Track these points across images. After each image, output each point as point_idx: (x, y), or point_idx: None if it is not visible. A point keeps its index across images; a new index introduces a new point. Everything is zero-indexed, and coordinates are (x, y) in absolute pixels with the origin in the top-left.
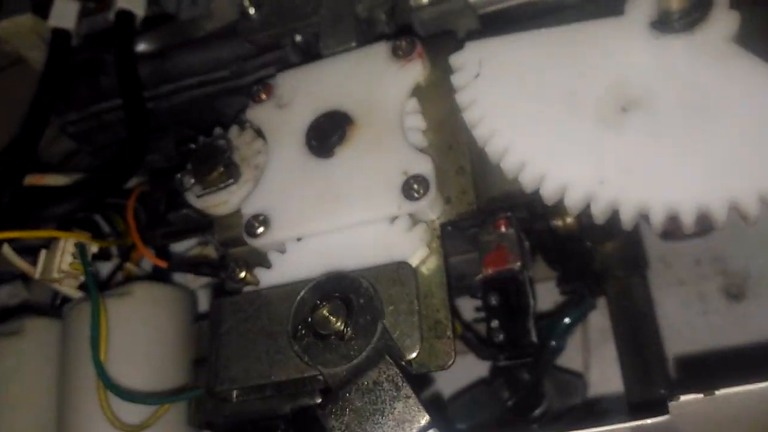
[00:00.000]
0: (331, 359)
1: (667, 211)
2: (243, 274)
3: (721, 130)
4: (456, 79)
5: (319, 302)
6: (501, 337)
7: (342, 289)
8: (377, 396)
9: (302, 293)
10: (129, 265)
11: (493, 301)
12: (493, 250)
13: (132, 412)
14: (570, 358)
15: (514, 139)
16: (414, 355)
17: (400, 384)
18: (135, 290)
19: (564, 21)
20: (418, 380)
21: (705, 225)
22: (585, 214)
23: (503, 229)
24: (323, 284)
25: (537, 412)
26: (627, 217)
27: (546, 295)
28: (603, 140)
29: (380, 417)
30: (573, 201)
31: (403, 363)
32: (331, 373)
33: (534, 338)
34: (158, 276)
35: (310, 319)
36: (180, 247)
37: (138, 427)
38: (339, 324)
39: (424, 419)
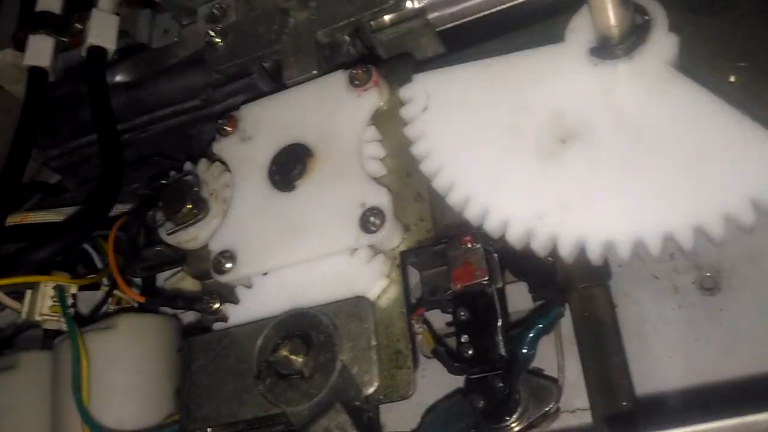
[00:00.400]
0: (293, 398)
1: (604, 244)
2: (217, 306)
3: (658, 160)
4: (405, 112)
5: (280, 342)
6: (470, 351)
7: (303, 327)
8: None
9: (265, 332)
10: (119, 293)
11: (462, 315)
12: (460, 266)
13: None
14: (544, 358)
15: (459, 174)
16: (372, 390)
17: (348, 430)
18: (119, 323)
19: (514, 43)
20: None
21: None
22: None
23: (469, 244)
24: (285, 322)
25: (512, 418)
26: (565, 252)
27: (522, 295)
28: (543, 174)
29: None
30: (514, 236)
31: (358, 403)
32: (294, 411)
33: (502, 351)
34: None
35: (272, 359)
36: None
37: None
38: (299, 363)
39: None
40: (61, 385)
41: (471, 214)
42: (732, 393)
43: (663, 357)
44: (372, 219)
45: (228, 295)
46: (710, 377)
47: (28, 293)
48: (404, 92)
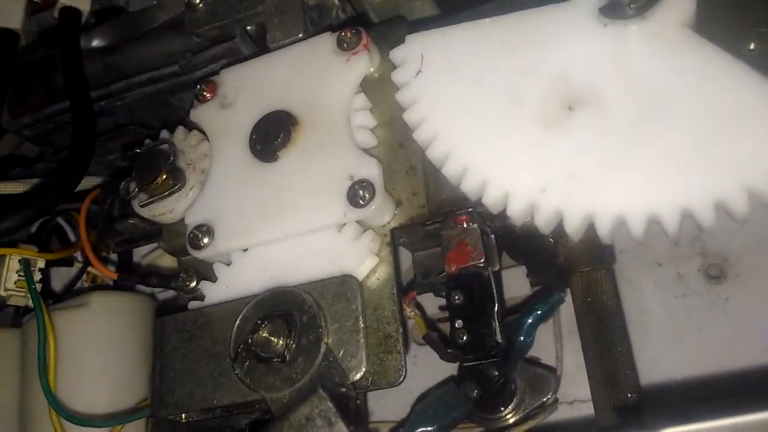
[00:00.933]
0: (273, 383)
1: (616, 219)
2: (194, 284)
3: (674, 128)
4: (397, 76)
5: (260, 322)
6: (465, 337)
7: (285, 306)
8: None
9: (244, 311)
10: (93, 270)
11: (457, 299)
12: (456, 247)
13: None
14: (542, 347)
15: (456, 142)
16: (359, 376)
17: (333, 420)
18: (91, 300)
19: (516, 4)
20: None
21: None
22: None
23: (465, 224)
24: (266, 301)
25: (507, 409)
26: (572, 228)
27: (518, 281)
28: (547, 143)
29: None
30: (515, 211)
31: (344, 389)
32: (274, 397)
33: (499, 338)
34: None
35: (250, 340)
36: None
37: None
38: (280, 345)
39: None
40: (29, 366)
41: (468, 186)
42: (737, 386)
43: (666, 347)
44: (361, 192)
45: (205, 272)
46: (715, 369)
47: None
48: (396, 54)
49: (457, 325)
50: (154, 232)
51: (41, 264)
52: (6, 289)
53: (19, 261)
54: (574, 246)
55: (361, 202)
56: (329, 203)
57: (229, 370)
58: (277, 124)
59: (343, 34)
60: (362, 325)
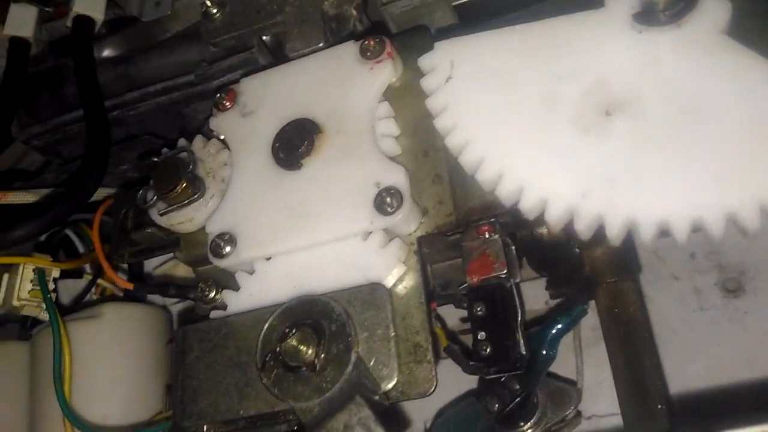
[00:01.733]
0: (303, 392)
1: (658, 225)
2: (213, 294)
3: (715, 133)
4: (426, 83)
5: (288, 330)
6: (488, 349)
7: (313, 315)
8: None
9: (270, 319)
10: (103, 282)
11: (479, 311)
12: (477, 258)
13: None
14: (560, 360)
15: (490, 148)
16: (391, 385)
17: (372, 428)
18: (104, 312)
19: (541, 15)
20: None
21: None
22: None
23: (487, 234)
24: (293, 309)
25: (529, 423)
26: (614, 233)
27: (537, 295)
28: (585, 148)
29: None
30: (554, 216)
31: (377, 397)
32: (303, 407)
33: (523, 350)
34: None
35: (278, 349)
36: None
37: None
38: (310, 354)
39: None
40: (40, 378)
41: (504, 192)
42: (759, 398)
43: (685, 361)
44: (388, 200)
45: (225, 281)
46: (735, 382)
47: (5, 277)
48: (425, 61)
49: (480, 337)
50: (171, 242)
51: (56, 273)
52: (20, 299)
53: (34, 270)
54: (599, 256)
55: (389, 209)
56: (356, 211)
57: (256, 380)
58: (301, 131)
59: (366, 42)
60: (393, 333)
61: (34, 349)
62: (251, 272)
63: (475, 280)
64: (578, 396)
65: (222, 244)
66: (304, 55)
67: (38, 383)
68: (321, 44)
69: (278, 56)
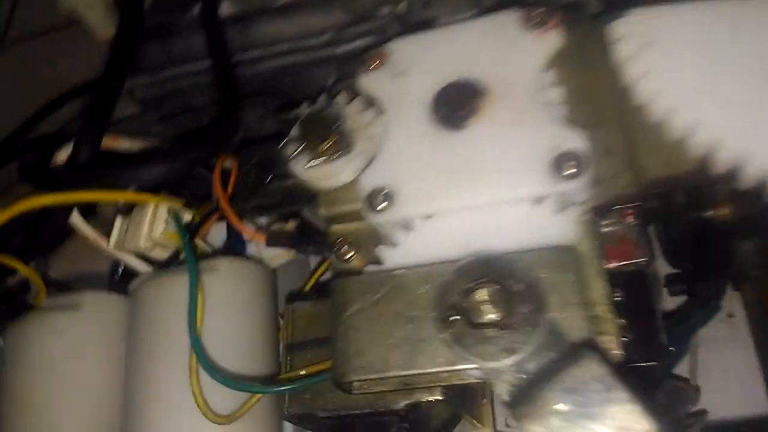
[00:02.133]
0: (490, 352)
1: None
2: (352, 253)
3: None
4: (622, 50)
5: (471, 287)
6: (629, 336)
7: (494, 273)
8: (586, 398)
9: (447, 276)
10: (197, 241)
11: (618, 297)
12: (616, 242)
13: (219, 402)
14: None
15: (702, 116)
16: None
17: (611, 384)
18: (219, 266)
19: None
20: None
21: None
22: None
23: (630, 219)
24: (471, 266)
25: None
26: None
27: None
28: None
29: (591, 423)
30: None
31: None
32: (491, 367)
33: (664, 338)
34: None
35: (461, 305)
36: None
37: (226, 418)
38: (497, 312)
39: (649, 427)
40: (143, 332)
41: (717, 160)
42: None
43: None
44: (569, 163)
45: (369, 239)
46: None
47: (119, 220)
48: (618, 27)
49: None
50: (307, 197)
51: (188, 217)
52: (150, 239)
53: (168, 211)
54: (750, 248)
55: (568, 174)
56: (530, 174)
57: (430, 336)
58: (464, 92)
59: (532, 12)
60: (583, 299)
61: (137, 301)
62: (407, 229)
63: (612, 265)
64: (697, 395)
65: (380, 199)
66: (447, 24)
67: (144, 338)
68: (469, 13)
69: (407, 27)
